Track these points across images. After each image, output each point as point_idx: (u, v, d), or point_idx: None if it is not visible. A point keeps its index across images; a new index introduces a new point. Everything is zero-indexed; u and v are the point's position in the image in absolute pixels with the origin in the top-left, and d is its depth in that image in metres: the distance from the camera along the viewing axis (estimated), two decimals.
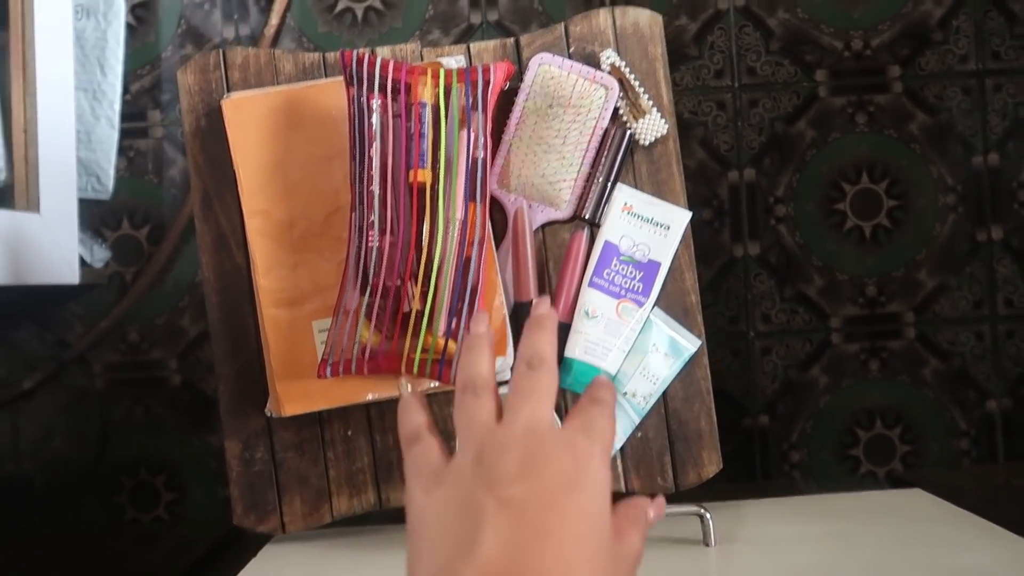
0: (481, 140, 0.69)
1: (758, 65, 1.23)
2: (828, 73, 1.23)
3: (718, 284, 1.22)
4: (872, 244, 1.23)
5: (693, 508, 0.68)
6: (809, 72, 1.23)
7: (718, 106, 1.22)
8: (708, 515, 0.69)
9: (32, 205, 0.99)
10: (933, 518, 0.69)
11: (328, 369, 0.70)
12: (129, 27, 1.23)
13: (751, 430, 1.23)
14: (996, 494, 1.13)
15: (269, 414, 0.74)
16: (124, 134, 1.21)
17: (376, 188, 0.69)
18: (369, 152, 0.69)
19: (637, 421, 0.73)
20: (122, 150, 1.21)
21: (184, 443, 1.21)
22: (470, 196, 0.69)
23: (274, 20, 1.20)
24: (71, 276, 1.07)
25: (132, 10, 1.23)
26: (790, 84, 1.23)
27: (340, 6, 1.22)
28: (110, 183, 1.20)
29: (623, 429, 0.73)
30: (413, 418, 0.43)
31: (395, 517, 0.88)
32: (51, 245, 1.03)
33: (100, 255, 1.20)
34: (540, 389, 0.40)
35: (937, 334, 1.23)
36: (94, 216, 1.20)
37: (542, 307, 0.45)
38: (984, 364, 1.23)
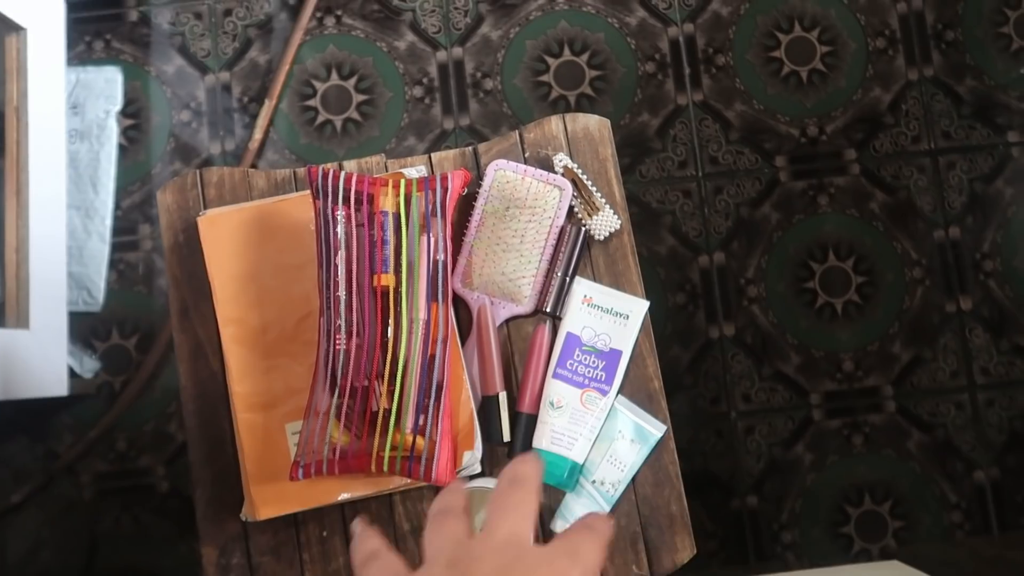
0: (441, 243, 0.73)
1: (720, 154, 1.28)
2: (787, 159, 1.28)
3: (697, 366, 1.24)
4: (844, 320, 1.25)
5: None
6: (769, 159, 1.28)
7: (684, 195, 1.27)
8: None
9: (22, 322, 1.03)
10: None
11: (300, 471, 0.71)
12: (121, 147, 1.29)
13: (740, 512, 1.22)
14: (990, 568, 1.12)
15: (245, 519, 0.75)
16: (115, 248, 1.26)
17: (342, 293, 0.72)
18: (335, 260, 0.72)
19: (608, 509, 0.74)
20: (112, 263, 1.26)
21: (171, 551, 1.21)
22: (432, 297, 0.72)
23: (258, 135, 1.27)
24: (60, 388, 1.10)
25: (124, 131, 1.30)
26: (752, 171, 1.28)
27: (320, 119, 1.29)
28: (100, 295, 1.25)
29: None
30: (368, 543, 0.41)
31: None
32: (40, 359, 1.06)
33: (90, 366, 1.23)
34: (521, 505, 0.38)
35: (917, 406, 1.24)
36: (84, 328, 1.23)
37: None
38: (967, 434, 1.24)
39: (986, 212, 1.27)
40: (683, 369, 1.23)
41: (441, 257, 0.73)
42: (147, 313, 1.25)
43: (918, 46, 1.28)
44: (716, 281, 1.26)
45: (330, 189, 0.73)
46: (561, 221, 0.78)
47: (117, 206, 1.28)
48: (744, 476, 1.23)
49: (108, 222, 1.27)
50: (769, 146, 1.28)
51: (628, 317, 0.78)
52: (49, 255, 1.10)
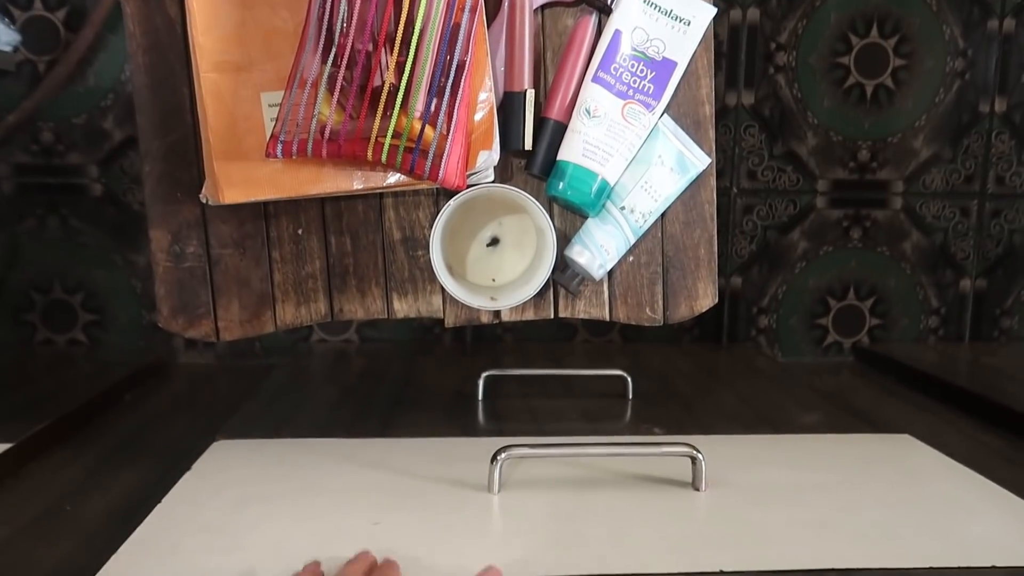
0: None
1: None
2: None
3: None
4: (872, 105, 1.14)
5: (685, 449, 0.58)
6: None
7: None
8: (701, 457, 0.58)
9: None
10: (925, 471, 0.63)
11: (279, 147, 0.58)
12: None
13: (722, 291, 1.17)
14: (959, 368, 1.11)
15: (204, 200, 0.62)
16: None
17: None
18: None
19: (632, 240, 0.65)
20: None
21: (105, 261, 1.09)
22: None
23: None
24: None
25: None
26: None
27: None
28: None
29: (616, 248, 0.64)
30: None
31: (368, 430, 0.78)
32: None
33: (7, 37, 1.03)
34: None
35: (923, 207, 1.17)
36: None
37: None
38: (965, 242, 1.19)
39: None
40: None
41: None
42: None
43: None
44: (744, 41, 1.11)
45: None
46: None
47: None
48: (733, 256, 1.16)
49: None
50: None
51: (689, 24, 0.64)
52: None
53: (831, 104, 1.14)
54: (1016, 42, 1.15)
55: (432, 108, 0.58)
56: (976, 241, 1.19)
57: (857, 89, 1.14)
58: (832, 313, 1.19)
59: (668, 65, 0.64)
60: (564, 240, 0.66)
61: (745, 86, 1.13)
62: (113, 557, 0.47)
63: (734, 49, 1.12)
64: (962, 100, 1.16)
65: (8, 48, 1.04)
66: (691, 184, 0.66)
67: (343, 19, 0.57)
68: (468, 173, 0.61)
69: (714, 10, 0.64)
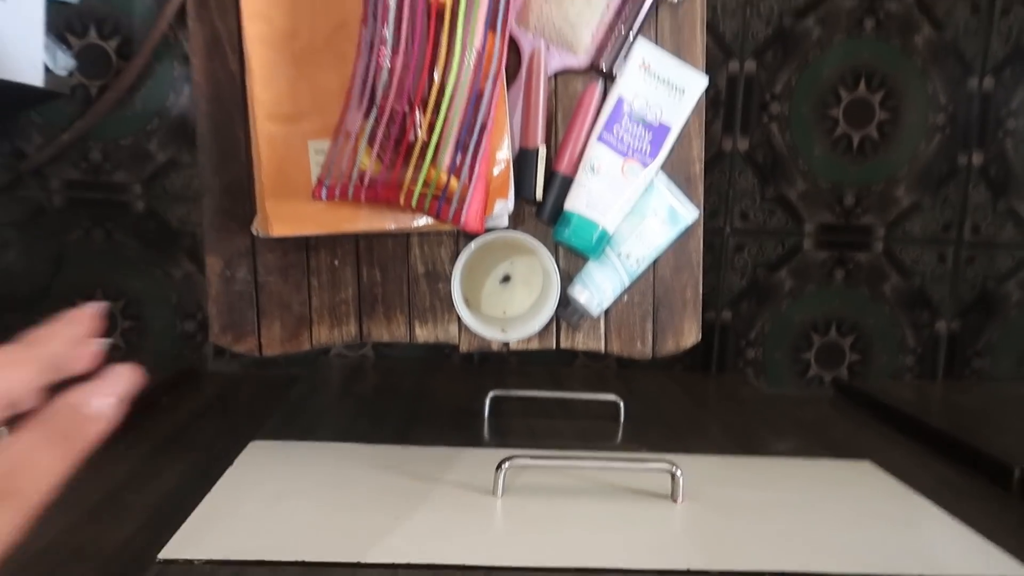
0: None
1: None
2: None
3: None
4: (858, 155, 1.23)
5: (665, 465, 0.65)
6: None
7: None
8: (679, 473, 0.64)
9: None
10: (878, 493, 0.72)
11: (324, 191, 0.67)
12: None
13: (713, 323, 1.25)
14: (932, 406, 1.19)
15: (256, 232, 0.71)
16: None
17: (392, 1, 0.64)
18: None
19: (627, 282, 0.73)
20: None
21: (145, 273, 1.18)
22: (490, 24, 0.65)
23: None
24: (35, 76, 1.00)
25: None
26: None
27: None
28: None
29: (613, 288, 0.73)
30: None
31: (385, 438, 0.86)
32: (15, 38, 0.96)
33: (64, 62, 1.12)
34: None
35: (903, 251, 1.26)
36: (58, 18, 1.11)
37: None
38: (941, 286, 1.27)
39: None
40: None
41: None
42: (128, 14, 1.13)
43: None
44: (741, 91, 1.20)
45: None
46: None
47: None
48: (724, 291, 1.25)
49: None
50: None
51: (684, 92, 0.73)
52: None
53: (821, 152, 1.23)
54: (994, 100, 1.24)
55: (457, 162, 0.67)
56: (951, 286, 1.27)
57: (845, 139, 1.23)
58: (815, 348, 1.27)
59: (663, 129, 0.73)
60: (567, 279, 0.75)
61: (741, 132, 1.22)
62: (174, 537, 0.55)
63: (731, 98, 1.21)
64: (942, 152, 1.24)
65: (64, 72, 1.13)
66: (681, 234, 0.74)
67: (384, 83, 0.66)
68: (486, 219, 0.70)
69: (706, 80, 0.73)
